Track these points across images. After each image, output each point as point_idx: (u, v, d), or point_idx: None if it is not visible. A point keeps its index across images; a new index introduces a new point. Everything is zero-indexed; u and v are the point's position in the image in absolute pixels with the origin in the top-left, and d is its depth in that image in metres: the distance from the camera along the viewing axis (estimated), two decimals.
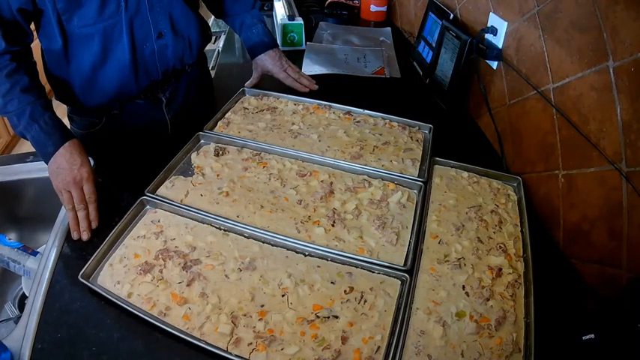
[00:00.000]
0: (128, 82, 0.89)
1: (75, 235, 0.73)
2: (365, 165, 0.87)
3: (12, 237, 0.92)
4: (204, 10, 1.09)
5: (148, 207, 0.77)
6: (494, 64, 0.99)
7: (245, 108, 1.04)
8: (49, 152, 0.76)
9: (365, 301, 0.63)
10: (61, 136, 0.76)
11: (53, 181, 0.76)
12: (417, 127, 1.01)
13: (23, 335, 0.59)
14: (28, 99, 0.75)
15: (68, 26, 0.79)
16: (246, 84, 1.13)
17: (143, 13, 0.83)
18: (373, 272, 0.68)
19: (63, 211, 0.78)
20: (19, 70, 0.76)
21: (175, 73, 0.97)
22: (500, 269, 0.68)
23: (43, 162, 0.77)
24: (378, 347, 0.58)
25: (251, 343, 0.57)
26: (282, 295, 0.63)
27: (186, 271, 0.66)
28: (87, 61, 0.84)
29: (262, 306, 0.62)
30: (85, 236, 0.72)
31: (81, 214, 0.73)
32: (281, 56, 1.13)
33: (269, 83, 1.16)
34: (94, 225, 0.74)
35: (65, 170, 0.74)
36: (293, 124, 0.99)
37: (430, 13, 1.31)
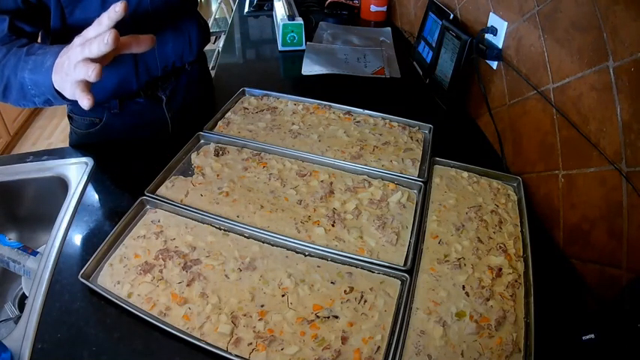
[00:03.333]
0: (128, 78, 0.89)
1: (87, 101, 0.59)
2: (365, 165, 0.87)
3: (12, 237, 0.92)
4: (204, 11, 1.09)
5: (148, 207, 0.77)
6: (494, 64, 0.99)
7: (245, 108, 1.04)
8: (49, 66, 0.64)
9: (365, 301, 0.63)
10: (59, 47, 0.64)
11: (60, 80, 0.63)
12: (417, 127, 1.01)
13: (23, 335, 0.59)
14: (24, 48, 0.68)
15: (70, 19, 0.79)
16: None
17: (145, 7, 0.83)
18: (373, 272, 0.68)
19: (63, 210, 0.78)
20: (18, 38, 0.72)
21: (175, 70, 0.97)
22: (500, 269, 0.68)
23: (43, 162, 0.76)
24: (378, 347, 0.58)
25: (251, 343, 0.57)
26: (282, 295, 0.63)
27: (186, 271, 0.66)
28: None
29: (262, 306, 0.62)
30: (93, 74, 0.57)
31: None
32: None
33: (269, 83, 1.17)
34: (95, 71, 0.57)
35: (69, 57, 0.61)
36: (293, 124, 0.99)
37: (430, 13, 1.31)
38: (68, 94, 0.64)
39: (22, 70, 0.68)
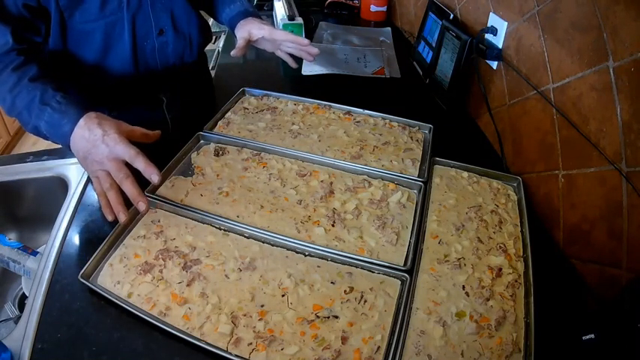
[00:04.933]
0: (128, 80, 0.88)
1: (110, 218, 0.66)
2: (365, 165, 0.87)
3: (12, 237, 0.92)
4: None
5: None
6: (494, 64, 0.99)
7: (245, 108, 1.04)
8: (66, 132, 0.67)
9: (365, 301, 0.63)
10: (77, 111, 0.67)
11: (86, 169, 0.70)
12: (417, 127, 1.01)
13: (23, 335, 0.59)
14: (37, 86, 0.69)
15: (70, 22, 0.79)
16: (232, 52, 0.97)
17: (145, 10, 0.83)
18: (373, 272, 0.68)
19: (63, 210, 0.78)
20: (27, 63, 0.72)
21: (176, 72, 0.97)
22: (500, 269, 0.68)
23: (43, 162, 0.76)
24: (378, 347, 0.58)
25: (251, 343, 0.57)
26: (282, 295, 0.63)
27: (186, 271, 0.66)
28: (87, 58, 0.84)
29: (262, 306, 0.62)
30: (121, 218, 0.65)
31: (113, 194, 0.65)
32: (268, 23, 1.00)
33: (269, 83, 1.16)
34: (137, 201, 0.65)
35: (92, 152, 0.66)
36: (293, 124, 0.99)
37: (430, 13, 1.31)
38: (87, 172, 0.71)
39: (37, 118, 0.69)
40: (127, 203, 0.66)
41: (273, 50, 1.04)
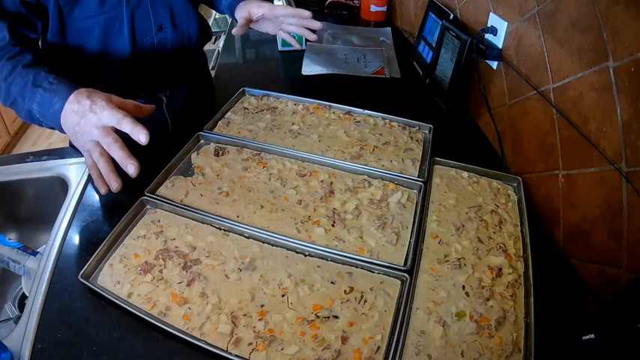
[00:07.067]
0: (127, 76, 0.88)
1: (103, 191, 0.65)
2: (365, 165, 0.87)
3: (12, 237, 0.92)
4: (204, 10, 1.09)
5: (147, 207, 0.77)
6: (494, 64, 0.99)
7: (245, 108, 1.04)
8: (57, 110, 0.66)
9: (365, 301, 0.63)
10: (68, 88, 0.66)
11: (77, 145, 0.68)
12: (417, 127, 1.01)
13: (23, 335, 0.59)
14: (30, 71, 0.69)
15: (69, 18, 0.79)
16: (233, 31, 0.95)
17: (144, 6, 0.83)
18: (373, 272, 0.68)
19: (63, 210, 0.78)
20: (22, 52, 0.72)
21: (175, 71, 0.97)
22: (500, 269, 0.68)
23: (43, 162, 0.76)
24: (378, 347, 0.58)
25: (251, 343, 0.57)
26: (282, 295, 0.63)
27: (186, 271, 0.66)
28: (86, 55, 0.84)
29: (262, 306, 0.62)
30: (114, 185, 0.64)
31: (104, 161, 0.64)
32: (267, 2, 1.00)
33: (269, 83, 1.16)
34: (130, 169, 0.63)
35: (80, 124, 0.64)
36: (293, 124, 0.99)
37: (430, 13, 1.31)
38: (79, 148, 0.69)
39: (29, 101, 0.68)
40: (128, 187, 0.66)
41: (275, 32, 1.03)
